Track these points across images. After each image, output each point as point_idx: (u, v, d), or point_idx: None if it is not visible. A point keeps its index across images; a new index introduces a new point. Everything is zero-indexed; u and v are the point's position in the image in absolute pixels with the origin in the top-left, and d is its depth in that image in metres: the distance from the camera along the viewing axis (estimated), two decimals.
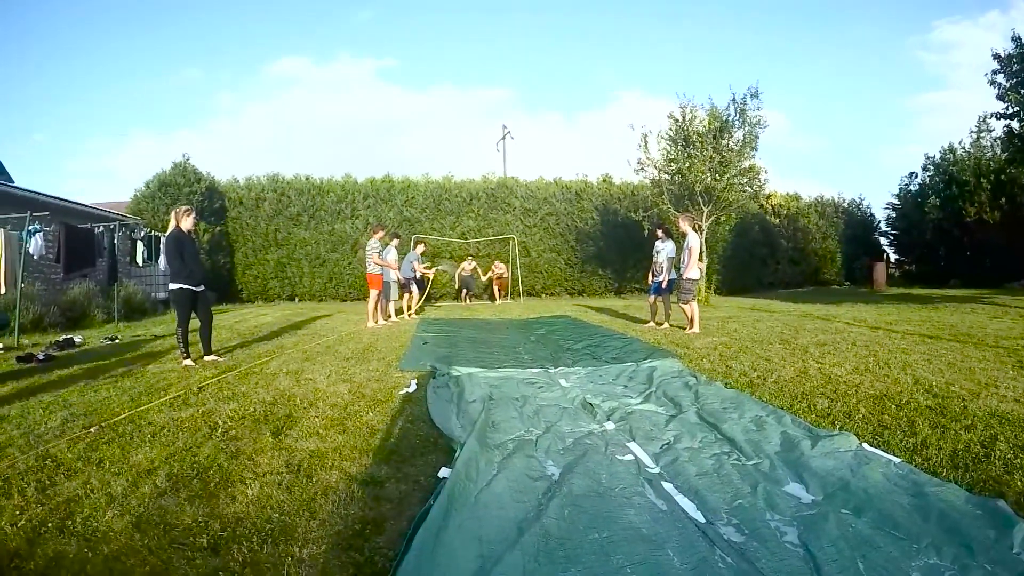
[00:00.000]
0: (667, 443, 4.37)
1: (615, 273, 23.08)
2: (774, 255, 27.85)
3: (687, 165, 18.30)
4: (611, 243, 22.65)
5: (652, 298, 12.24)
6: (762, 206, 27.76)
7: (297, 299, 21.23)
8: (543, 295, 22.86)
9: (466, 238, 21.59)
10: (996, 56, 16.36)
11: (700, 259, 11.96)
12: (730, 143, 18.44)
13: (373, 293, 12.96)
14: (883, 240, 33.55)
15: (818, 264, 30.09)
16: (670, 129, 19.08)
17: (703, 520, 3.15)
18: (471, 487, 3.45)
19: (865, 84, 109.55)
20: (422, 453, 4.16)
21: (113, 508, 3.31)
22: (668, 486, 3.61)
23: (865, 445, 4.33)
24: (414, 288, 15.13)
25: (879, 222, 33.71)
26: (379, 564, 2.67)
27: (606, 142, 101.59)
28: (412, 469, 3.85)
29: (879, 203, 47.82)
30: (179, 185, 19.82)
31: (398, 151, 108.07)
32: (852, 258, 30.85)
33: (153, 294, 17.41)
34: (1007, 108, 16.49)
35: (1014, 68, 16.22)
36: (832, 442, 4.32)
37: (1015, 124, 16.59)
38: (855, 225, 32.14)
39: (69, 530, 3.08)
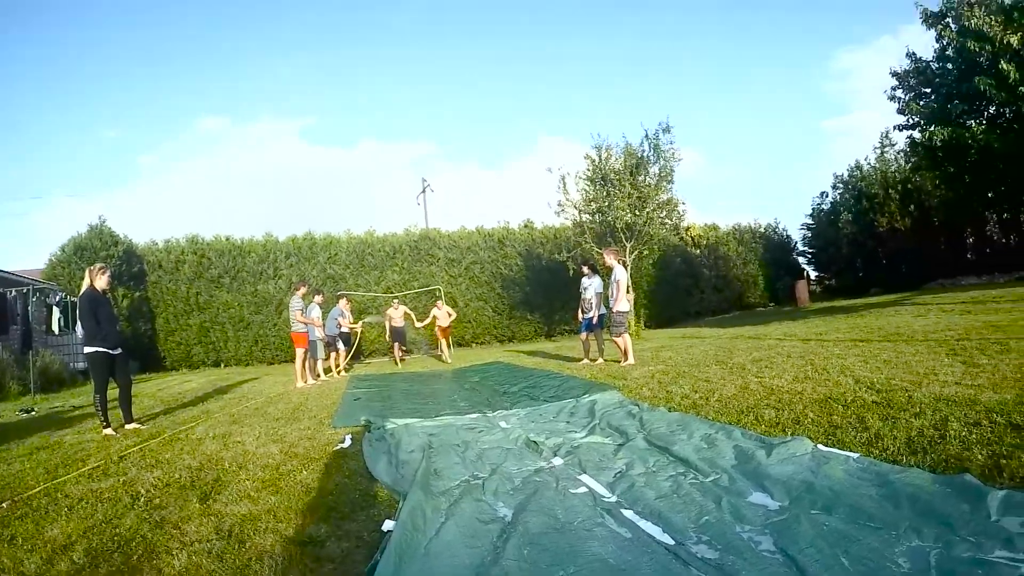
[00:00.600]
0: (619, 471, 4.28)
1: (543, 316, 23.15)
2: (698, 284, 28.45)
3: (607, 203, 18.58)
4: (537, 287, 22.77)
5: (584, 335, 12.23)
6: (682, 238, 28.39)
7: (223, 364, 20.56)
8: (473, 344, 22.74)
9: (391, 292, 21.28)
10: (894, 73, 17.30)
11: (628, 292, 11.96)
12: (647, 178, 18.83)
13: (299, 352, 12.65)
14: (802, 259, 34.92)
15: (742, 289, 30.88)
16: (588, 169, 19.39)
17: (672, 542, 3.06)
18: (419, 537, 3.24)
19: (775, 116, 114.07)
20: (363, 508, 3.93)
21: None
22: (628, 513, 3.50)
23: (820, 446, 4.38)
24: (340, 345, 14.84)
25: (796, 243, 35.07)
26: None
27: (529, 189, 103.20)
28: (354, 525, 3.61)
29: (796, 225, 49.50)
30: (96, 248, 19.07)
31: (321, 209, 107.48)
32: (774, 280, 31.80)
33: (72, 364, 16.60)
34: (908, 120, 17.31)
35: (911, 83, 17.12)
36: (787, 448, 4.33)
37: (916, 134, 17.36)
38: (774, 248, 33.16)
39: None
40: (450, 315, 17.50)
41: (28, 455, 6.39)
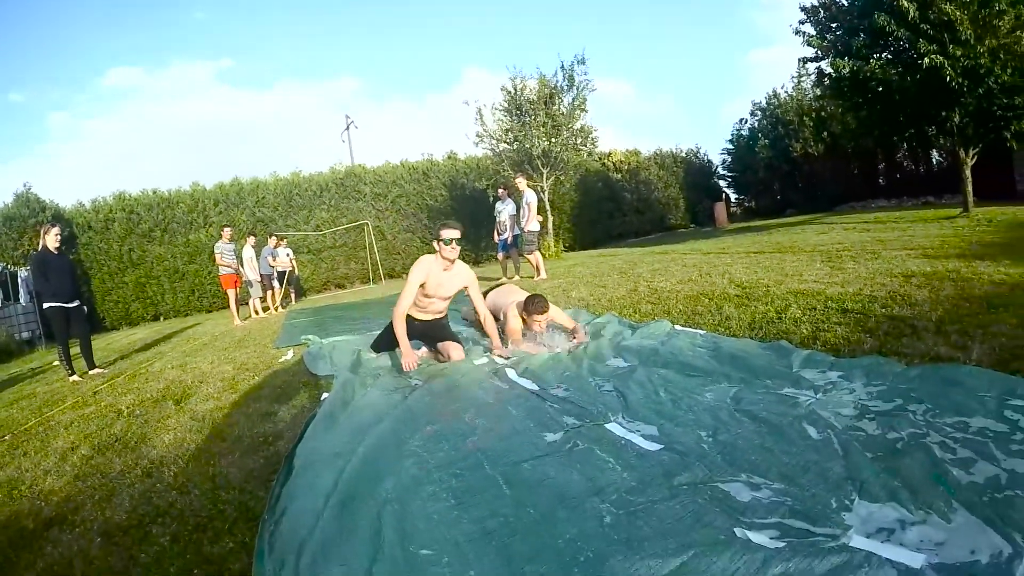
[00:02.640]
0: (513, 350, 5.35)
1: (471, 244, 23.82)
2: (620, 208, 29.56)
3: (522, 132, 19.57)
4: (463, 216, 23.35)
5: (501, 255, 13.35)
6: (604, 164, 29.38)
7: (162, 317, 20.85)
8: (403, 275, 23.11)
9: (321, 229, 21.88)
10: (803, 8, 18.19)
11: (539, 213, 13.06)
12: (561, 107, 19.80)
13: (230, 293, 13.42)
14: (722, 183, 36.20)
15: (663, 212, 32.11)
16: (504, 101, 20.27)
17: (537, 388, 4.14)
18: (348, 397, 4.36)
19: (705, 46, 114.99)
20: (305, 392, 4.99)
21: (51, 476, 3.92)
22: (511, 372, 4.61)
23: (677, 327, 5.45)
24: (275, 284, 15.57)
25: (717, 167, 36.30)
26: (284, 451, 3.51)
27: (454, 121, 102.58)
28: (298, 401, 4.72)
29: (719, 151, 50.60)
30: (24, 217, 19.04)
31: (248, 154, 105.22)
32: (695, 202, 33.13)
33: (17, 335, 16.79)
34: (816, 53, 18.36)
35: (820, 17, 18.11)
36: (648, 328, 5.42)
37: (823, 65, 18.41)
38: (695, 172, 34.40)
39: (17, 496, 3.68)
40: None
41: (8, 405, 7.03)
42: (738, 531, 2.16)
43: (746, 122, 34.57)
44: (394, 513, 2.51)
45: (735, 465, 2.66)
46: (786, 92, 32.16)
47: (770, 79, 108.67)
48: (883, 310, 5.06)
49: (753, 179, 33.35)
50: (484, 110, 20.32)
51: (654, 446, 2.97)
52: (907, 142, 20.75)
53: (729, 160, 35.36)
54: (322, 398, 4.54)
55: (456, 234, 5.65)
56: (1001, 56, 14.36)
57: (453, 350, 5.38)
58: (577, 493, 2.53)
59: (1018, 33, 14.22)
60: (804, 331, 4.79)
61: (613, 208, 29.25)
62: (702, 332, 5.17)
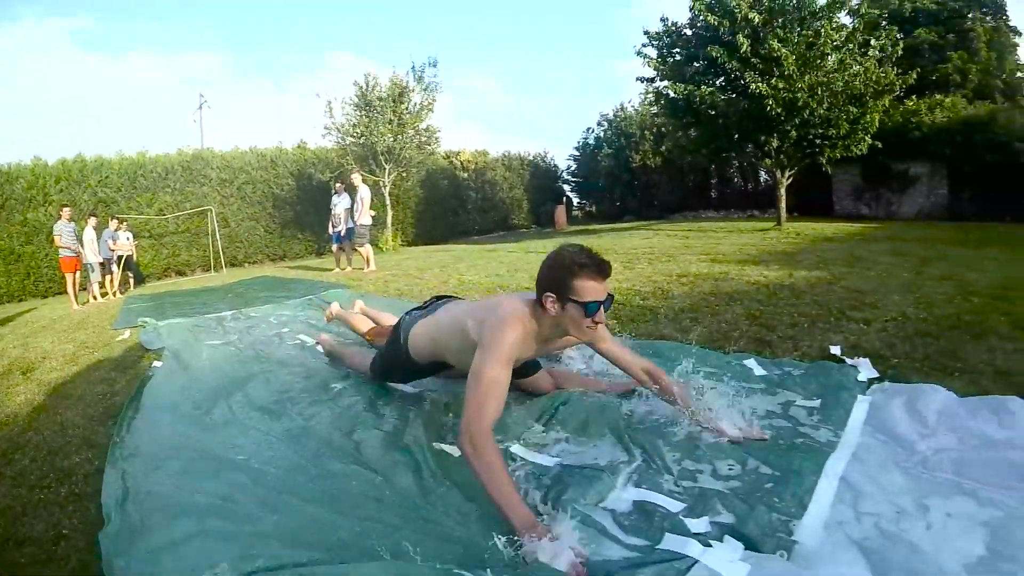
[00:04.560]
0: (324, 328, 6.42)
1: (314, 235, 24.49)
2: (464, 206, 30.94)
3: (369, 128, 20.71)
4: (308, 206, 24.07)
5: (335, 247, 14.47)
6: (451, 162, 30.61)
7: None
8: (246, 263, 23.65)
9: (164, 213, 21.72)
10: (646, 32, 19.90)
11: (376, 208, 14.16)
12: (409, 106, 21.13)
13: (68, 277, 13.60)
14: (567, 187, 38.30)
15: (507, 211, 33.77)
16: (355, 96, 21.25)
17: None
18: (185, 359, 5.43)
19: (578, 53, 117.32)
20: (142, 362, 5.90)
21: None
22: (307, 338, 5.84)
23: None
24: (114, 267, 15.74)
25: (562, 171, 38.31)
26: (122, 402, 4.44)
27: (309, 109, 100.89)
28: (135, 371, 5.59)
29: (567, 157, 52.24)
30: None
31: (92, 127, 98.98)
32: (538, 204, 34.83)
33: None
34: (655, 75, 20.19)
35: (663, 42, 19.94)
36: None
37: (661, 86, 20.25)
38: (541, 175, 36.21)
39: None
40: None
41: None
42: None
43: (593, 131, 36.91)
44: (212, 431, 3.65)
45: None
46: (633, 107, 34.60)
47: (631, 88, 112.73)
48: (641, 302, 6.45)
49: (596, 186, 35.68)
50: (334, 103, 21.27)
51: None
52: (734, 161, 23.06)
53: (574, 166, 37.49)
54: (155, 365, 5.48)
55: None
56: (819, 92, 16.57)
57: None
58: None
59: (835, 74, 16.51)
60: None
61: (458, 206, 30.55)
62: None
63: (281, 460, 3.23)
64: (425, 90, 21.33)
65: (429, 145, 22.53)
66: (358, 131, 21.00)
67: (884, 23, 23.78)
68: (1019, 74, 38.99)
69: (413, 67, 21.24)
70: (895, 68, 18.09)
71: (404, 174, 22.79)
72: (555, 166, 37.76)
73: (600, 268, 3.03)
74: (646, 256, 10.77)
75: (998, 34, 38.07)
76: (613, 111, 35.33)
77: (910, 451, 2.90)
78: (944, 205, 23.29)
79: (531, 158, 35.96)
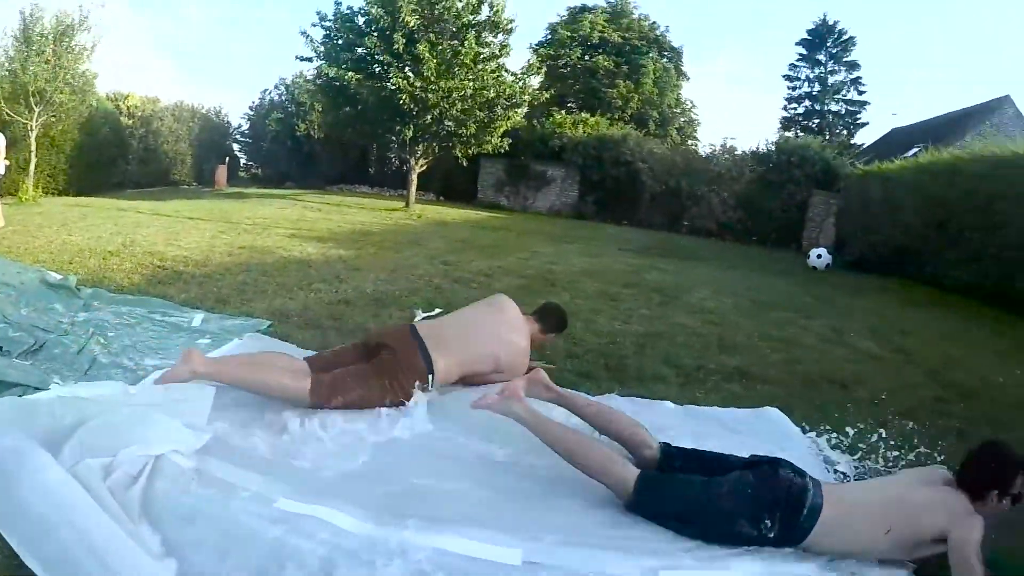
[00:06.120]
0: None
1: None
2: (124, 156, 29.65)
3: (23, 66, 19.41)
4: None
5: None
6: (117, 106, 29.42)
7: None
8: None
9: None
10: (319, 13, 21.54)
11: (7, 156, 13.53)
12: (69, 47, 20.36)
13: None
14: (236, 146, 38.10)
15: (169, 166, 32.69)
16: (18, 27, 19.76)
17: None
18: None
19: None
20: None
21: None
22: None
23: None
24: None
25: (234, 129, 38.20)
26: None
27: None
28: None
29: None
30: None
31: None
32: (204, 161, 34.35)
33: None
34: (314, 57, 21.90)
35: (332, 24, 21.36)
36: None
37: (320, 66, 21.85)
38: (211, 131, 35.78)
39: None
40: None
41: None
42: None
43: (268, 93, 37.93)
44: None
45: None
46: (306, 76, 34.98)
47: None
48: (159, 264, 7.95)
49: (263, 148, 36.60)
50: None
51: None
52: (375, 145, 25.01)
53: (247, 127, 37.33)
54: None
55: None
56: (452, 95, 18.85)
57: None
58: None
59: (467, 82, 18.87)
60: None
61: (117, 155, 29.02)
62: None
63: None
64: (87, 30, 20.49)
65: (84, 91, 21.88)
66: (14, 67, 19.62)
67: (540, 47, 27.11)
68: (677, 110, 45.79)
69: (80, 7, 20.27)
70: (545, 86, 21.34)
71: (54, 119, 21.64)
72: (228, 123, 37.99)
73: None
74: (251, 226, 12.06)
75: (667, 74, 44.12)
76: (293, 76, 36.22)
77: None
78: (572, 205, 27.34)
79: (204, 111, 35.50)
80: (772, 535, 2.93)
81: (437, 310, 6.83)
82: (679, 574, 2.68)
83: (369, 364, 3.97)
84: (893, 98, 79.00)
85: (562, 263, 11.73)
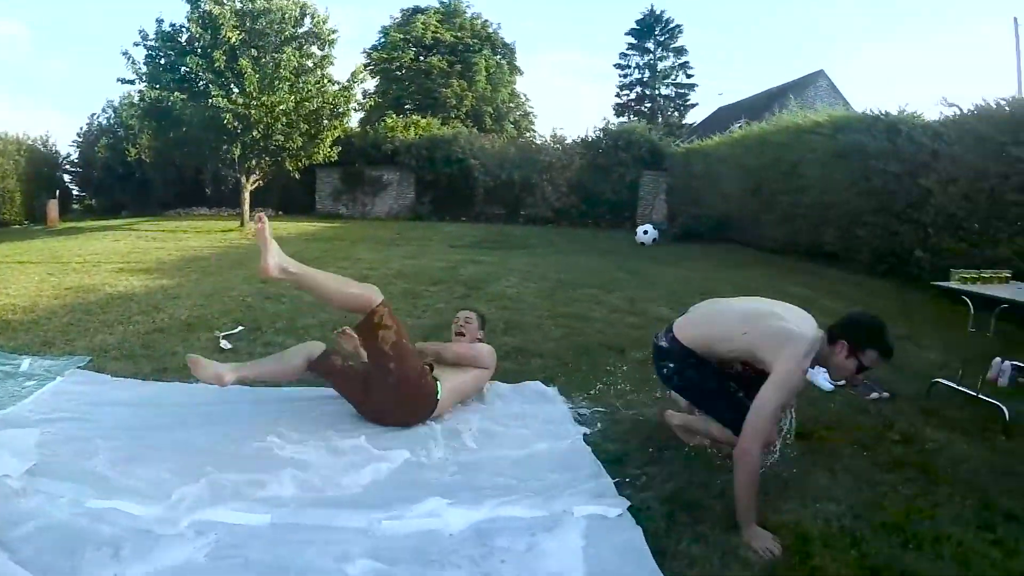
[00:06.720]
0: None
1: None
2: None
3: None
4: None
5: None
6: None
7: None
8: None
9: None
10: (141, 31, 20.89)
11: None
12: None
13: None
14: (67, 177, 36.16)
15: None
16: None
17: None
18: None
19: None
20: None
21: None
22: None
23: None
24: None
25: (63, 159, 35.99)
26: None
27: None
28: None
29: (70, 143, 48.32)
30: None
31: None
32: (34, 197, 31.51)
33: None
34: (136, 79, 21.25)
35: (154, 43, 21.02)
36: None
37: (142, 87, 21.35)
38: (40, 163, 32.95)
39: None
40: None
41: None
42: None
43: (96, 117, 35.85)
44: None
45: None
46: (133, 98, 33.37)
47: None
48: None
49: (94, 177, 35.04)
50: None
51: None
52: (206, 165, 24.93)
53: (76, 155, 36.11)
54: None
55: None
56: (275, 110, 19.12)
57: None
58: None
59: (289, 96, 19.17)
60: None
61: None
62: None
63: None
64: None
65: None
66: None
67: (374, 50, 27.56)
68: (512, 104, 47.11)
69: None
70: (380, 90, 21.67)
71: None
72: (56, 152, 34.94)
73: None
74: (80, 264, 12.14)
75: (499, 70, 45.26)
76: (120, 98, 33.99)
77: None
78: (409, 207, 28.14)
79: (31, 142, 32.60)
80: None
81: (239, 328, 7.41)
82: (399, 523, 3.21)
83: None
84: (721, 79, 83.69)
85: (381, 268, 12.41)
